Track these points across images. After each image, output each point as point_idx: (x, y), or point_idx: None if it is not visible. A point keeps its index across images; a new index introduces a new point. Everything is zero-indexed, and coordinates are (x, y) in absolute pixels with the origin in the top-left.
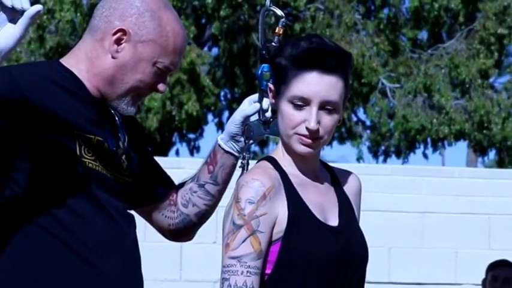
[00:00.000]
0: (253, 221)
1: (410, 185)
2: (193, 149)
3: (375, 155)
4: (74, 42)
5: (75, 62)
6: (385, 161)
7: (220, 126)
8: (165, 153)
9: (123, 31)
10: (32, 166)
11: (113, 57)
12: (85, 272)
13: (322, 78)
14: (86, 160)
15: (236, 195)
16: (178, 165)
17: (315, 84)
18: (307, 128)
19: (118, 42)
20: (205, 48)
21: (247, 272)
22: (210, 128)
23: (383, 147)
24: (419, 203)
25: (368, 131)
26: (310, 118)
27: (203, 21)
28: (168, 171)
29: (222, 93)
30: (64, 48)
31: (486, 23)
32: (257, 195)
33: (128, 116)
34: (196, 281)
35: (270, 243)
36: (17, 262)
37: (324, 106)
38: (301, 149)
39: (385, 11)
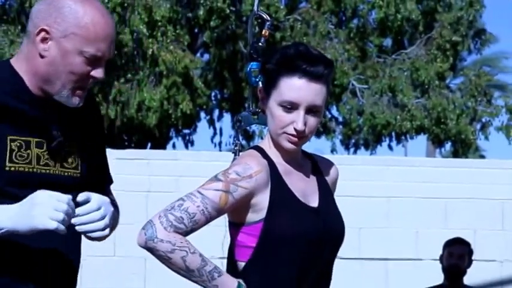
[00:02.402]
0: (232, 185)
1: (377, 173)
2: (188, 143)
3: (347, 147)
4: None
5: (20, 64)
6: (355, 152)
7: (211, 123)
8: (163, 147)
9: (45, 31)
10: None
11: (42, 56)
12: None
13: (310, 85)
14: (15, 165)
15: (227, 168)
16: (175, 156)
17: (304, 91)
18: (295, 129)
19: (43, 41)
20: (198, 54)
21: (202, 210)
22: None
23: (353, 140)
24: (385, 189)
25: (340, 126)
26: (298, 120)
27: (196, 30)
28: (166, 162)
29: (213, 94)
30: None
31: (442, 31)
32: (245, 172)
33: (88, 111)
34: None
35: (252, 222)
36: None
37: (310, 109)
38: (289, 146)
39: (355, 21)
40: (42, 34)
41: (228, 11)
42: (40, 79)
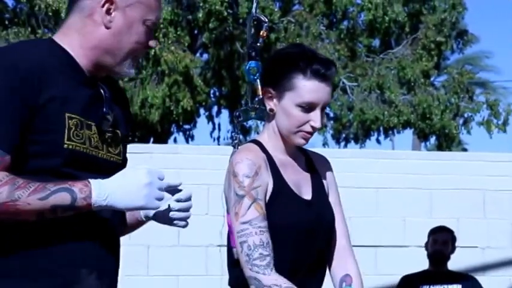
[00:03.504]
0: (253, 191)
1: (367, 166)
2: (188, 137)
3: (337, 141)
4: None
5: (69, 40)
6: (345, 146)
7: (210, 118)
8: (165, 141)
9: (110, 1)
10: (23, 148)
11: (107, 28)
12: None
13: (324, 87)
14: (73, 143)
15: (232, 171)
16: (176, 150)
17: (321, 92)
18: (312, 127)
19: (108, 12)
20: (198, 54)
21: (260, 231)
22: (202, 120)
23: (344, 135)
24: (374, 180)
25: (331, 122)
26: (316, 119)
27: (195, 32)
28: (168, 156)
29: (212, 91)
30: None
31: (427, 32)
32: (251, 171)
33: (119, 95)
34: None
35: None
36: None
37: (323, 108)
38: (302, 142)
39: (345, 23)
40: (107, 5)
41: (225, 13)
42: (101, 51)
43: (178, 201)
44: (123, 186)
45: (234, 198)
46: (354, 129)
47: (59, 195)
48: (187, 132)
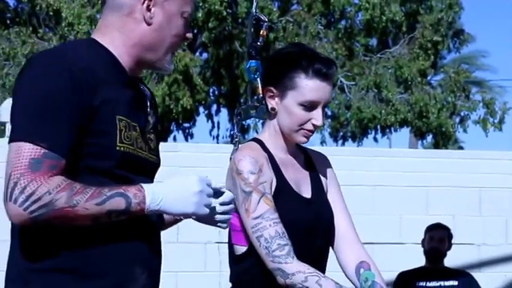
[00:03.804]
0: (260, 186)
1: (364, 164)
2: (188, 136)
3: (335, 140)
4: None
5: (109, 39)
6: (343, 144)
7: (210, 117)
8: (164, 139)
9: None
10: (77, 150)
11: (149, 24)
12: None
13: (326, 85)
14: (124, 146)
15: (236, 169)
16: (175, 149)
17: (322, 91)
18: (313, 125)
19: (148, 8)
20: (197, 54)
21: (274, 222)
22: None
23: (341, 133)
24: (371, 178)
25: (329, 120)
26: (318, 118)
27: (195, 31)
28: (167, 154)
29: (211, 90)
30: None
31: (424, 32)
32: (255, 168)
33: (152, 97)
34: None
35: None
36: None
37: (324, 107)
38: (304, 140)
39: (343, 22)
40: (147, 2)
41: (224, 13)
42: (143, 48)
43: (222, 204)
44: (174, 192)
45: (242, 196)
46: (351, 128)
47: (114, 200)
48: (187, 131)
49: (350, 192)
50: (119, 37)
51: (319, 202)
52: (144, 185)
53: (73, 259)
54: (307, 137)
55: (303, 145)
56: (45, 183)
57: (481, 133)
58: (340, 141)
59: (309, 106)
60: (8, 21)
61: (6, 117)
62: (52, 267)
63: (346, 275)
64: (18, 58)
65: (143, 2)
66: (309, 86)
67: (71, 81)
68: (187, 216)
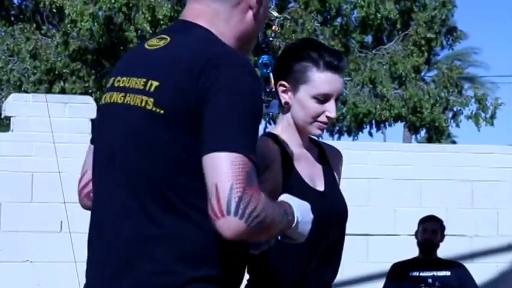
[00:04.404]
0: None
1: (359, 158)
2: None
3: (331, 134)
4: (92, 45)
5: (219, 30)
6: (339, 138)
7: None
8: None
9: None
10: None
11: (255, 16)
12: None
13: (338, 78)
14: None
15: None
16: None
17: (335, 83)
18: (327, 117)
19: (258, 1)
20: None
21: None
22: None
23: (337, 128)
24: (366, 172)
25: None
26: (331, 110)
27: None
28: None
29: None
30: (84, 51)
31: (418, 29)
32: (263, 163)
33: None
34: None
35: None
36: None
37: (337, 99)
38: (318, 132)
39: (339, 19)
40: None
41: None
42: (244, 41)
43: None
44: (303, 215)
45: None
46: (347, 122)
47: (285, 216)
48: None
49: (345, 185)
50: (226, 28)
51: (333, 195)
52: (290, 203)
53: (218, 268)
54: (322, 129)
55: (316, 138)
56: (260, 200)
57: (473, 128)
58: (336, 136)
59: (322, 99)
60: (12, 18)
61: (11, 111)
62: (203, 276)
63: None
64: (22, 54)
65: None
66: (321, 79)
67: (260, 86)
68: (299, 240)
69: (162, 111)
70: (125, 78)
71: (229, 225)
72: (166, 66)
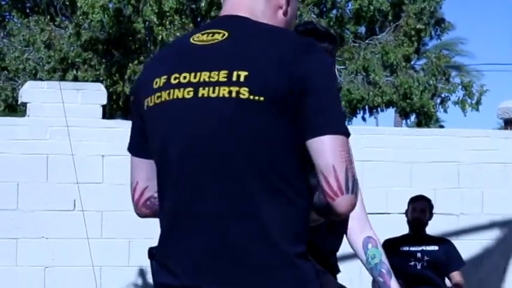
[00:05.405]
0: None
1: (353, 141)
2: None
3: None
4: (102, 36)
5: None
6: None
7: None
8: None
9: None
10: None
11: (284, 14)
12: None
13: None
14: None
15: None
16: None
17: None
18: None
19: (288, 2)
20: None
21: None
22: None
23: None
24: (360, 155)
25: None
26: None
27: (198, 19)
28: None
29: None
30: (95, 41)
31: (408, 20)
32: None
33: None
34: None
35: None
36: None
37: None
38: None
39: (334, 11)
40: None
41: None
42: None
43: None
44: None
45: None
46: None
47: None
48: None
49: None
50: (263, 21)
51: None
52: None
53: (305, 243)
54: None
55: None
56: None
57: (459, 113)
58: None
59: None
60: (28, 11)
61: (27, 98)
62: (300, 252)
63: (351, 245)
64: (37, 44)
65: None
66: None
67: None
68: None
69: (261, 98)
70: (187, 74)
71: (346, 202)
72: (248, 57)
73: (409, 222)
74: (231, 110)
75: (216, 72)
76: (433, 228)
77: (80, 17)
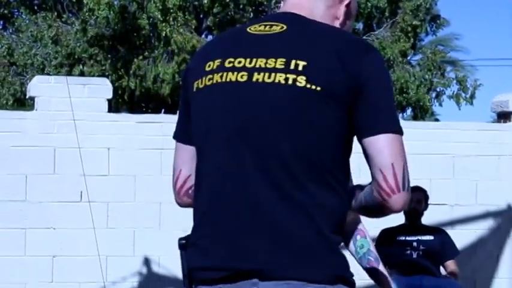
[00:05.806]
0: None
1: None
2: None
3: None
4: (108, 32)
5: None
6: None
7: None
8: (174, 112)
9: None
10: None
11: (341, 25)
12: None
13: None
14: None
15: None
16: None
17: None
18: None
19: (347, 6)
20: (203, 36)
21: None
22: None
23: None
24: (357, 147)
25: None
26: None
27: (201, 16)
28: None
29: None
30: (101, 37)
31: (405, 17)
32: None
33: None
34: None
35: None
36: None
37: None
38: None
39: None
40: (347, 2)
41: (227, 0)
42: None
43: None
44: None
45: None
46: None
47: None
48: None
49: None
50: None
51: None
52: None
53: (342, 234)
54: None
55: None
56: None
57: (454, 107)
58: None
59: None
60: (36, 7)
61: (35, 92)
62: (339, 241)
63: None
64: (44, 40)
65: (341, 1)
66: None
67: None
68: None
69: (318, 88)
70: (242, 59)
71: (401, 199)
72: (307, 48)
73: (405, 212)
74: (286, 96)
75: (273, 59)
76: (428, 218)
77: (86, 14)
